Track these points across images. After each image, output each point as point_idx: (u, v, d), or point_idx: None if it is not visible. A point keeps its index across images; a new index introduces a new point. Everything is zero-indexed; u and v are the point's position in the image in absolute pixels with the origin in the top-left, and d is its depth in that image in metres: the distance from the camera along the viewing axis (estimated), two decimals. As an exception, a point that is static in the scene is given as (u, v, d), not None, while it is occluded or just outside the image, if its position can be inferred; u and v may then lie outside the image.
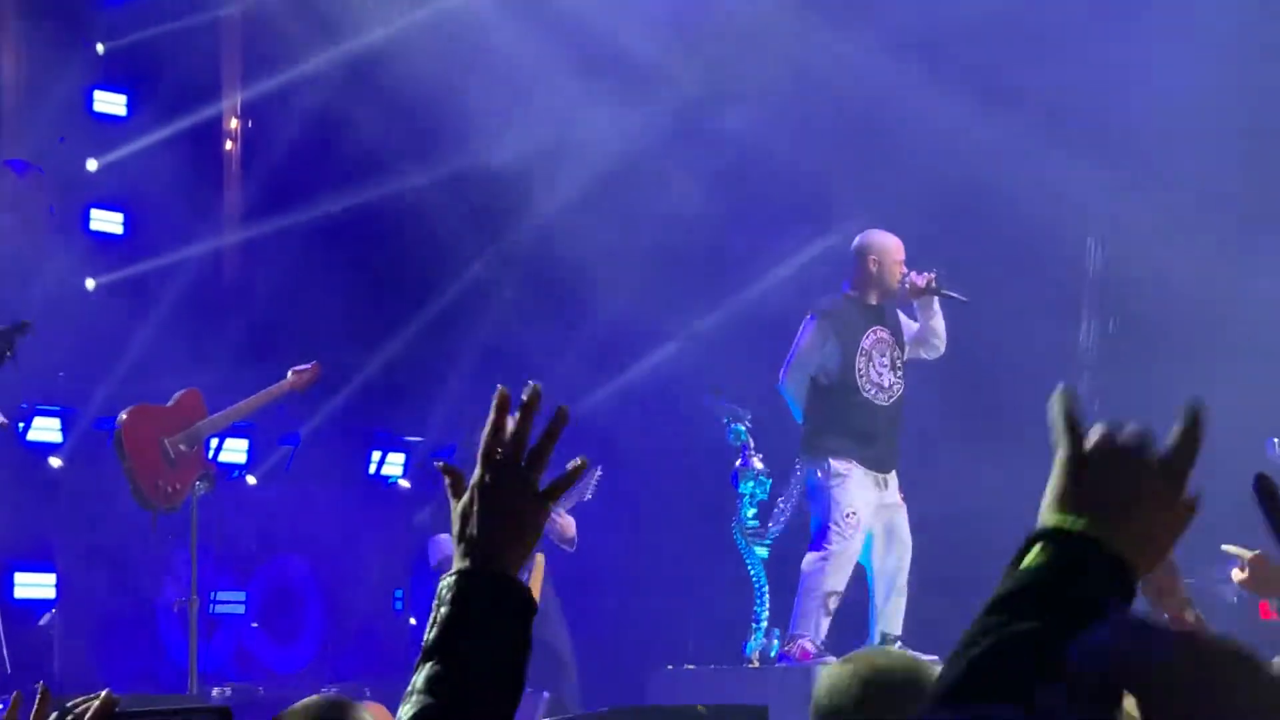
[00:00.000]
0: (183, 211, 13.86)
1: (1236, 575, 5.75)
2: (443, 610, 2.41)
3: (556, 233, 13.35)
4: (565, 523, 10.81)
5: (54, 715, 3.08)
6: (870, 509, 10.29)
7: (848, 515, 10.19)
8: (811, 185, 13.03)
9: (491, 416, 2.47)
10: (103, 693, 2.98)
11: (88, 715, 2.99)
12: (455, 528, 2.46)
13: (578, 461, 2.50)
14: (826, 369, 10.41)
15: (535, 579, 10.09)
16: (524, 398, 2.47)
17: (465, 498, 2.47)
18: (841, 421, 10.33)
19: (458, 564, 2.44)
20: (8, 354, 9.03)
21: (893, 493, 10.45)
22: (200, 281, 13.90)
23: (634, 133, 13.14)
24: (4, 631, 10.83)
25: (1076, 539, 1.83)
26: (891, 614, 10.34)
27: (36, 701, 3.20)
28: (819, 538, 10.27)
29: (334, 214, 13.94)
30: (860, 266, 10.55)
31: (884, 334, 10.52)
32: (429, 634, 2.41)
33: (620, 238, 12.87)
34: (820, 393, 10.42)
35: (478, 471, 2.48)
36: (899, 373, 10.54)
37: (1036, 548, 1.85)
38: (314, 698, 3.77)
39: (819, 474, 10.31)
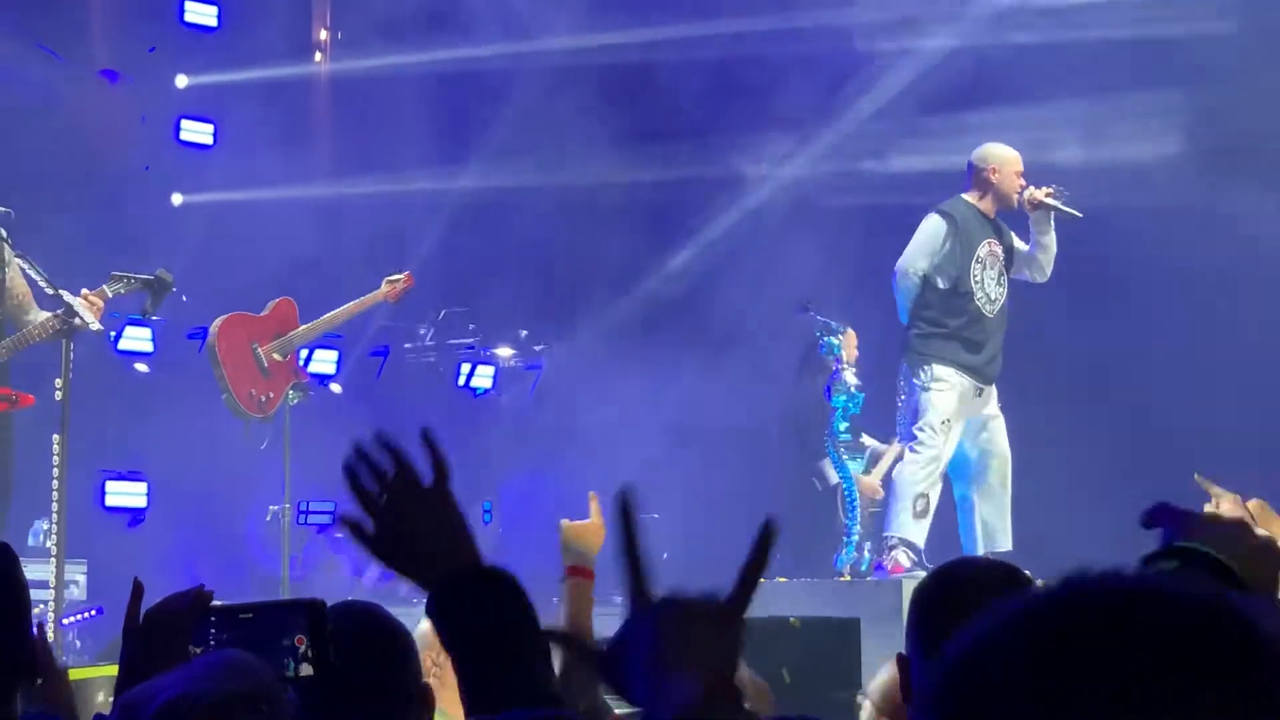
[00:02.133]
0: (273, 126, 13.85)
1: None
2: (453, 626, 2.38)
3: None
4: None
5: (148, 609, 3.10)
6: (965, 420, 10.24)
7: (943, 422, 10.13)
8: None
9: (350, 485, 2.44)
10: (197, 587, 3.01)
11: (183, 605, 3.02)
12: (397, 569, 2.44)
13: (425, 433, 2.49)
14: (943, 271, 10.30)
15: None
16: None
17: (377, 543, 2.45)
18: (950, 327, 10.25)
19: (427, 587, 2.40)
20: (150, 310, 9.10)
21: (992, 405, 10.39)
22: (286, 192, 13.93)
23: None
24: (98, 538, 10.93)
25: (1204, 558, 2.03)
26: (996, 530, 10.29)
27: (130, 595, 3.21)
28: (908, 440, 10.24)
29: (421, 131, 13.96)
30: (978, 175, 10.45)
31: (997, 247, 10.42)
32: (453, 652, 2.38)
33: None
34: (931, 295, 10.32)
35: (373, 522, 2.44)
36: (1004, 286, 10.45)
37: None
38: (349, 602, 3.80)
39: (921, 376, 10.24)
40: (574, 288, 14.54)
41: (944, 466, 10.26)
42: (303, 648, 2.89)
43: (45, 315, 8.89)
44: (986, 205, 10.43)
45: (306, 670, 2.88)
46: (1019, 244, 10.57)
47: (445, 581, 2.39)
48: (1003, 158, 10.45)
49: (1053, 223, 10.43)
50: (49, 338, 8.79)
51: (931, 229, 10.37)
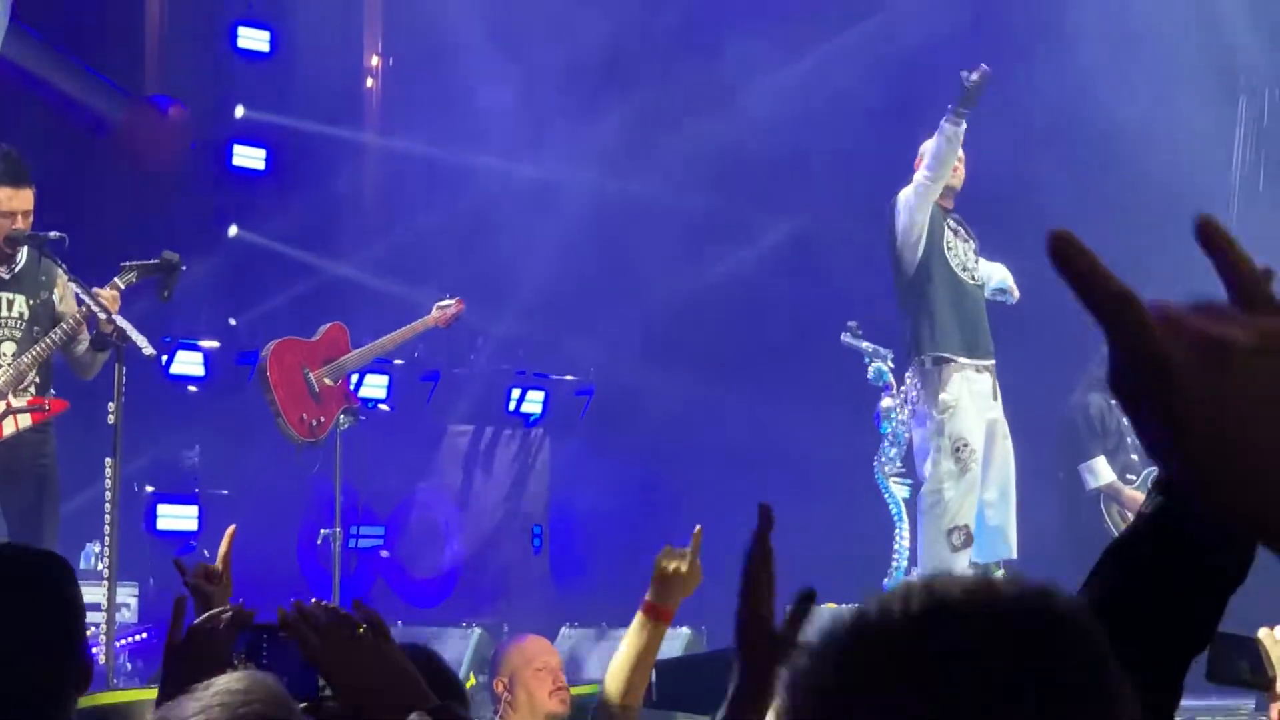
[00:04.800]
0: (325, 146, 13.92)
1: None
2: None
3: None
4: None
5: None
6: (983, 428, 10.19)
7: (960, 448, 10.07)
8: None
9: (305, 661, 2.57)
10: (237, 604, 3.08)
11: (223, 619, 3.06)
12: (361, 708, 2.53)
13: (355, 601, 2.70)
14: (921, 248, 10.21)
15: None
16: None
17: (344, 705, 2.55)
18: (938, 306, 10.19)
19: None
20: (166, 294, 9.12)
21: (998, 406, 10.33)
22: (339, 216, 14.00)
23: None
24: (150, 561, 10.98)
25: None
26: (998, 539, 10.25)
27: (173, 612, 3.25)
28: (935, 471, 10.15)
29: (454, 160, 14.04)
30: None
31: (959, 228, 10.39)
32: None
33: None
34: (922, 276, 10.26)
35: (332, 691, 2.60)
36: (978, 264, 10.43)
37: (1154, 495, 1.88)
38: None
39: (933, 405, 10.15)
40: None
41: (977, 486, 10.18)
42: None
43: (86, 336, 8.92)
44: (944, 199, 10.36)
45: None
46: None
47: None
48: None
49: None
50: (70, 334, 8.80)
51: (901, 202, 10.23)
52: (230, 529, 4.05)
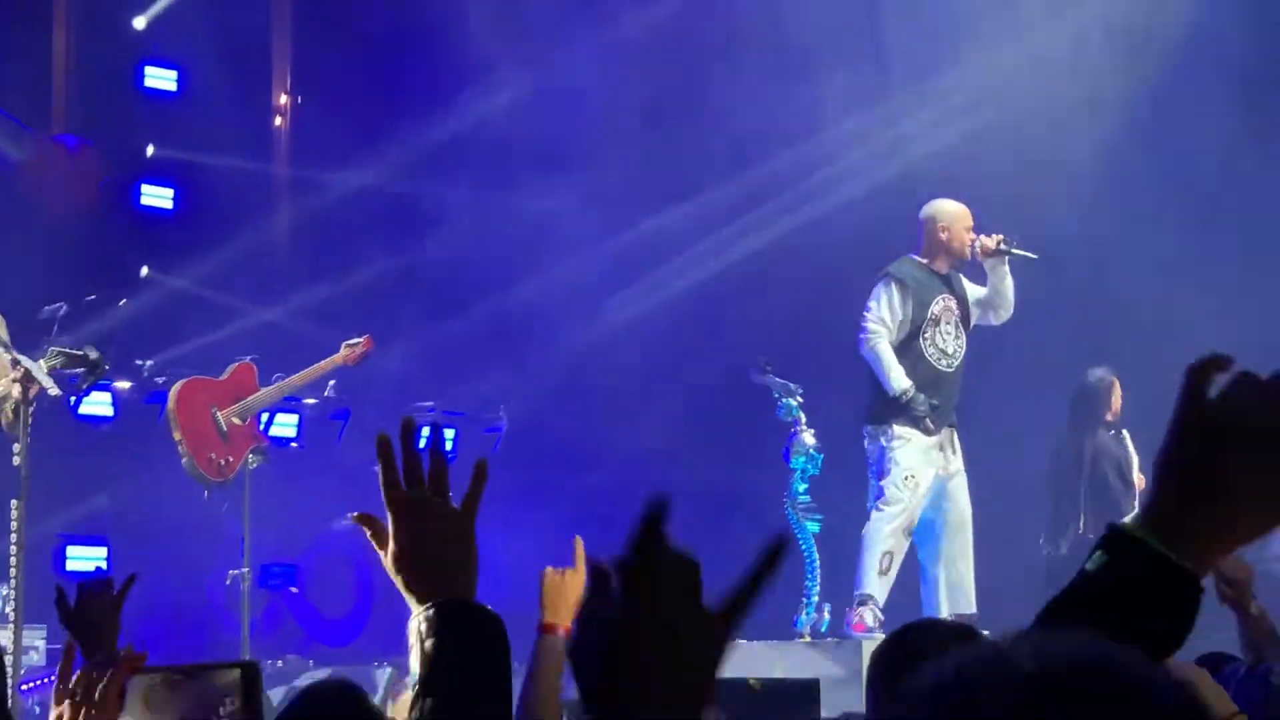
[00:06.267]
0: (234, 184, 13.88)
1: None
2: (425, 645, 2.39)
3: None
4: None
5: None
6: (930, 476, 10.30)
7: (906, 478, 10.21)
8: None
9: (380, 463, 2.47)
10: (126, 647, 3.04)
11: (114, 667, 3.04)
12: (395, 574, 2.46)
13: (480, 461, 2.51)
14: (896, 334, 10.38)
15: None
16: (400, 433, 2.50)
17: (392, 545, 2.46)
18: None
19: (417, 605, 2.42)
20: (83, 385, 9.25)
21: (956, 461, 10.45)
22: (250, 255, 13.95)
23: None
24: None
25: (1128, 541, 1.79)
26: (959, 592, 10.34)
27: (63, 654, 3.25)
28: (876, 498, 10.30)
29: (378, 188, 14.01)
30: (929, 234, 10.54)
31: (951, 302, 10.50)
32: (418, 671, 2.40)
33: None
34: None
35: (391, 517, 2.47)
36: (962, 339, 10.54)
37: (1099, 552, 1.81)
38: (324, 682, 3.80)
39: (882, 440, 10.31)
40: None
41: (912, 523, 10.31)
42: (234, 708, 2.91)
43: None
44: (940, 264, 10.52)
45: None
46: (976, 291, 10.66)
47: (442, 604, 2.41)
48: (952, 214, 10.54)
49: (1007, 266, 10.53)
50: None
51: (884, 293, 10.43)
52: (131, 576, 4.03)
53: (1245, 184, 12.45)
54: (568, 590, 4.27)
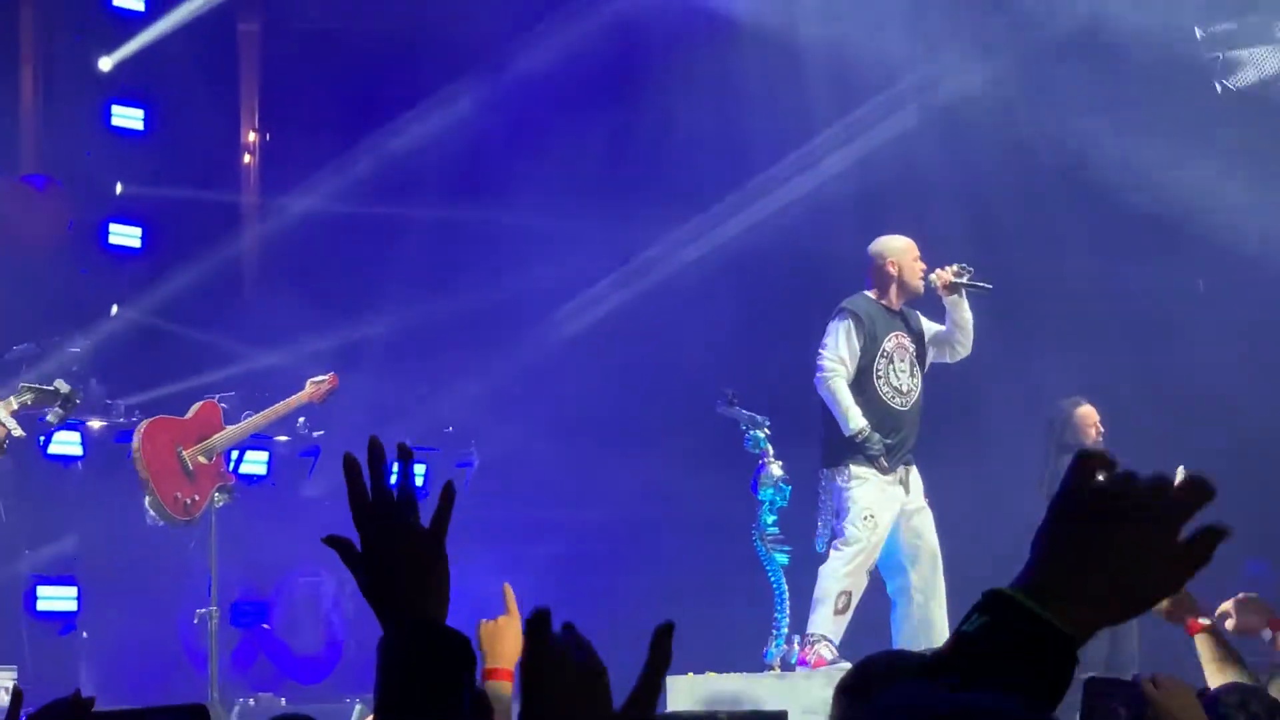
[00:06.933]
0: (203, 222, 13.90)
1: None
2: (387, 669, 2.40)
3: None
4: None
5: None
6: (891, 513, 10.29)
7: (865, 517, 10.20)
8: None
9: (348, 482, 2.47)
10: (74, 692, 3.03)
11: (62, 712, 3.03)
12: (367, 592, 2.47)
13: (447, 483, 2.52)
14: (851, 371, 10.39)
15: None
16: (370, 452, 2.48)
17: (361, 564, 2.47)
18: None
19: (385, 625, 2.43)
20: (54, 420, 9.38)
21: (916, 496, 10.44)
22: (220, 292, 13.96)
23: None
24: (29, 643, 10.88)
25: (1009, 605, 1.83)
26: (930, 625, 10.31)
27: (9, 700, 3.24)
28: (835, 538, 10.29)
29: (348, 220, 14.05)
30: (878, 270, 10.54)
31: (904, 339, 10.50)
32: (378, 694, 2.40)
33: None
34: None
35: (360, 536, 2.47)
36: (917, 378, 10.54)
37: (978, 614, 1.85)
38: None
39: (838, 479, 10.31)
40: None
41: (871, 562, 10.30)
42: None
43: None
44: (890, 298, 10.52)
45: None
46: (931, 327, 10.67)
47: (409, 624, 2.42)
48: (899, 249, 10.54)
49: (966, 298, 10.53)
50: None
51: (840, 329, 10.43)
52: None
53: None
54: (504, 635, 4.33)
